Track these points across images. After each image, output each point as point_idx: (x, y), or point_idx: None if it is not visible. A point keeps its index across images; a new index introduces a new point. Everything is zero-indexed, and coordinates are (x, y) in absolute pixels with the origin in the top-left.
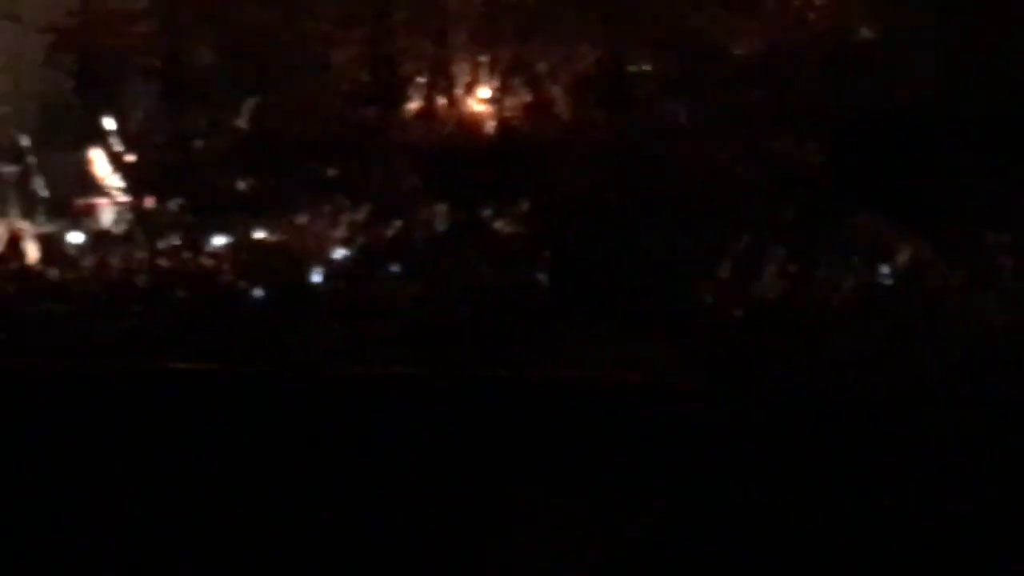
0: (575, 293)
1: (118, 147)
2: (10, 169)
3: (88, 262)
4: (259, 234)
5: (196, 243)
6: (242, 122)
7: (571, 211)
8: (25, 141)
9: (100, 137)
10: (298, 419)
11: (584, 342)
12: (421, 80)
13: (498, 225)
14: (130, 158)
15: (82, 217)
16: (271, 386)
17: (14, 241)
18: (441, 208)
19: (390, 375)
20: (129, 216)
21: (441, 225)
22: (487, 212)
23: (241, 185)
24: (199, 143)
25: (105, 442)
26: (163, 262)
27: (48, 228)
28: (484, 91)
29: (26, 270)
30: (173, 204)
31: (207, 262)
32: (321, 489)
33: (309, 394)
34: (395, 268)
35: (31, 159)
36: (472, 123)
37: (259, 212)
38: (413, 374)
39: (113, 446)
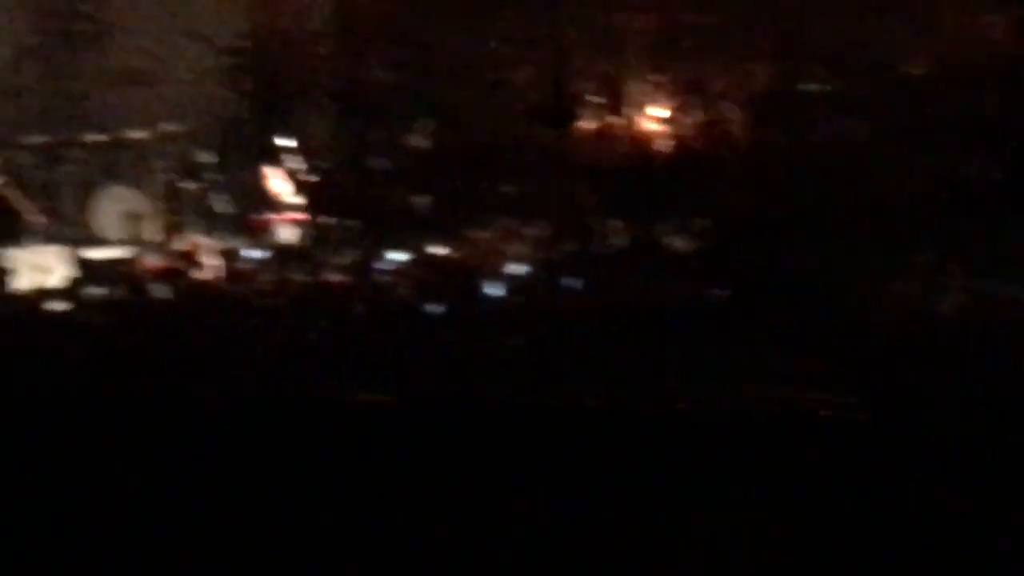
0: (751, 309)
1: (294, 165)
2: (189, 185)
3: (264, 278)
4: (436, 250)
5: (372, 259)
6: (419, 140)
7: (746, 228)
8: (204, 157)
9: (277, 154)
10: (482, 454)
11: (758, 359)
12: (596, 99)
13: (674, 241)
14: (306, 176)
15: (260, 233)
16: (462, 417)
17: (191, 256)
18: (617, 224)
19: (572, 408)
20: (306, 232)
21: (617, 241)
22: (662, 228)
23: (418, 202)
24: (376, 161)
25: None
26: (339, 278)
27: (226, 244)
28: (658, 109)
29: (202, 285)
30: (349, 221)
31: (383, 278)
32: (506, 526)
33: (493, 428)
34: (571, 284)
35: (210, 175)
36: (646, 141)
37: (436, 228)
38: (594, 409)
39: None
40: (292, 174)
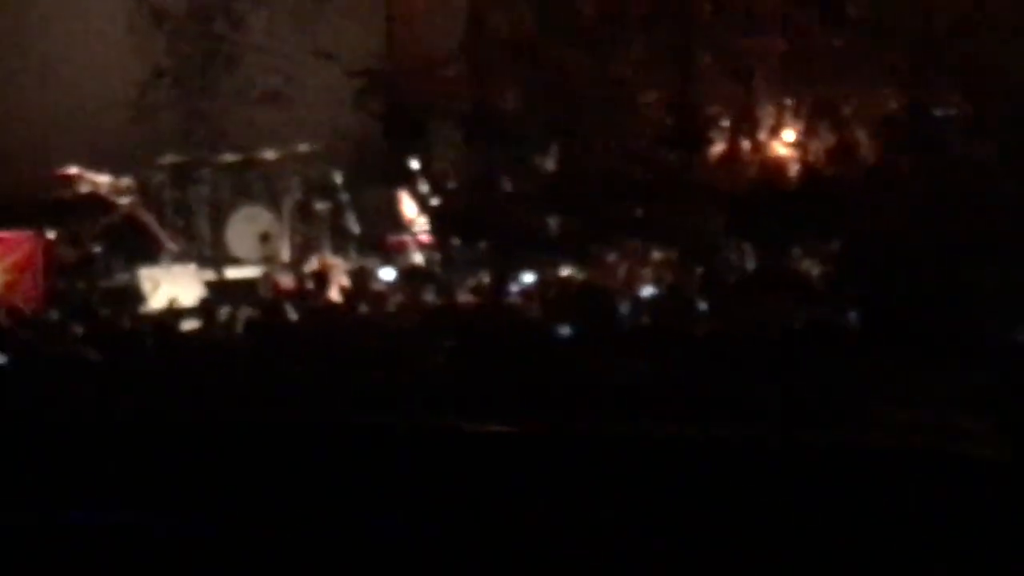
0: (886, 334)
1: (425, 187)
2: (323, 204)
3: (397, 299)
4: (566, 272)
5: (503, 281)
6: (548, 163)
7: (880, 252)
8: (338, 178)
9: (408, 176)
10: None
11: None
12: (725, 123)
13: (806, 265)
14: (436, 198)
15: (393, 254)
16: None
17: (323, 275)
18: (749, 248)
19: (702, 439)
20: (437, 254)
21: (749, 265)
22: (794, 253)
23: (547, 225)
24: (505, 184)
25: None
26: (470, 299)
27: (359, 264)
28: (789, 133)
29: (334, 304)
30: (479, 243)
31: (515, 300)
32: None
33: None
34: (701, 307)
35: (343, 195)
36: (777, 165)
37: (565, 252)
38: (724, 440)
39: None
40: (423, 195)
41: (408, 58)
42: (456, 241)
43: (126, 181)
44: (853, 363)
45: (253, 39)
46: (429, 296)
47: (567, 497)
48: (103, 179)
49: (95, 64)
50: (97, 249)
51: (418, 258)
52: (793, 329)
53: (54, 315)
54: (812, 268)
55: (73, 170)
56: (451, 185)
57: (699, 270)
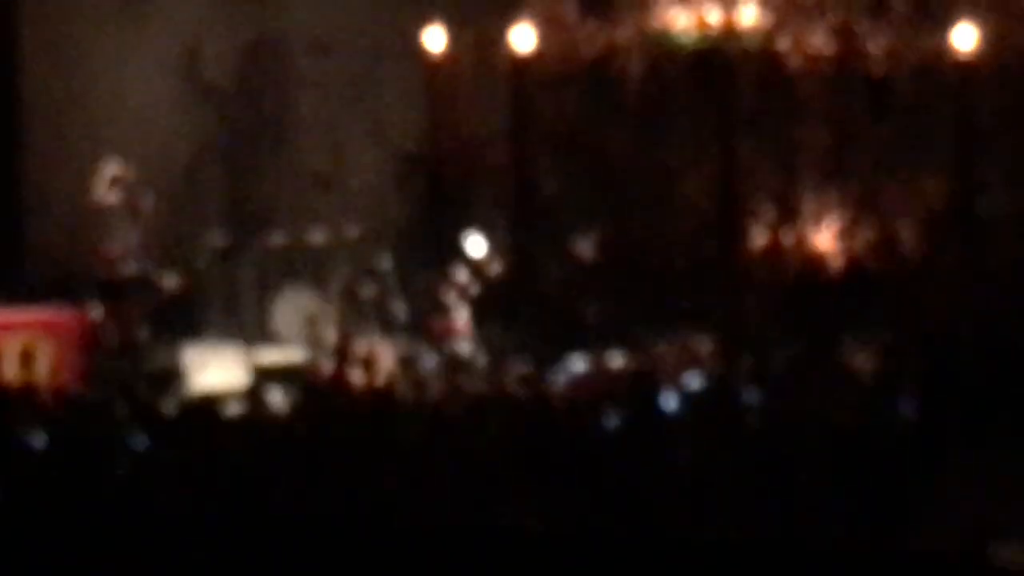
0: (948, 430)
1: (471, 270)
2: (369, 288)
3: (439, 386)
4: (609, 360)
5: (547, 370)
6: (589, 249)
7: (939, 345)
8: (385, 262)
9: (455, 260)
10: None
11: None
12: (768, 212)
13: (858, 360)
14: (482, 282)
15: (438, 339)
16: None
17: (368, 360)
18: (790, 340)
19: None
20: (481, 340)
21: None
22: (844, 346)
23: (589, 313)
24: (550, 269)
25: None
26: (512, 388)
27: (404, 349)
28: (832, 223)
29: (378, 391)
30: (524, 329)
31: (557, 389)
32: None
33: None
34: (748, 400)
35: (390, 279)
36: (820, 256)
37: (608, 338)
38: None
39: None
40: (469, 280)
41: (449, 140)
42: (500, 327)
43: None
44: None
45: (302, 118)
46: (472, 384)
47: None
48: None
49: (142, 140)
50: (142, 329)
51: (464, 345)
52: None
53: (97, 396)
54: (862, 361)
55: (117, 250)
56: (492, 270)
57: (748, 361)
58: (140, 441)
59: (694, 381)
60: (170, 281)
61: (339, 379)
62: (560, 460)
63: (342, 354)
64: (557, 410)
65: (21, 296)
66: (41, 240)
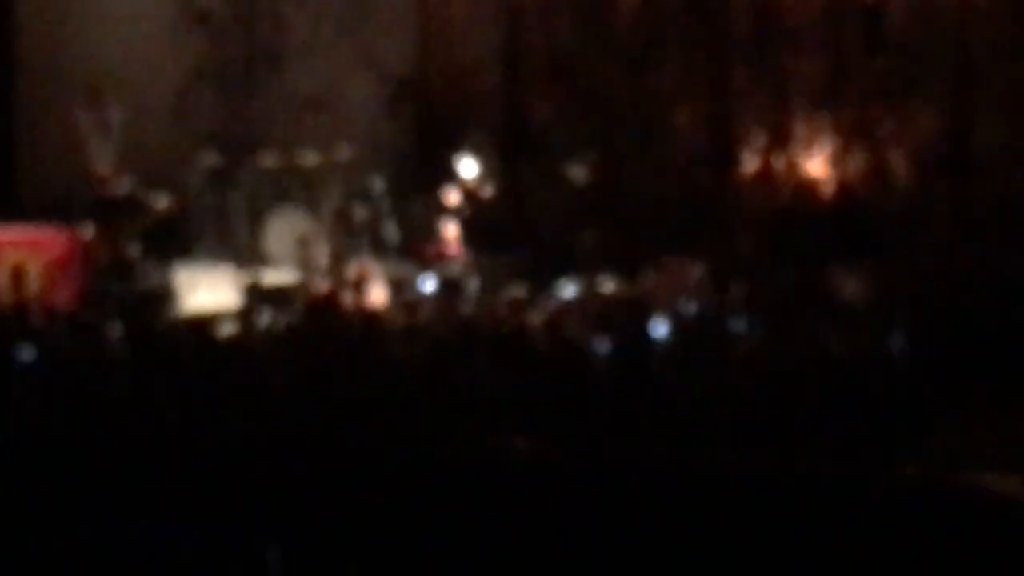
0: (940, 366)
1: (461, 196)
2: (362, 211)
3: (429, 311)
4: (598, 287)
5: (537, 295)
6: (579, 176)
7: (930, 277)
8: (378, 185)
9: (441, 185)
10: None
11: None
12: (760, 141)
13: (848, 291)
14: (472, 207)
15: (432, 263)
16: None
17: (360, 283)
18: (781, 270)
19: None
20: (471, 265)
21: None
22: (834, 276)
23: (579, 240)
24: (539, 196)
25: None
26: (505, 313)
27: (395, 272)
28: (823, 152)
29: (370, 313)
30: (513, 256)
31: (547, 315)
32: None
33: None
34: (740, 328)
35: (383, 203)
36: (811, 185)
37: (598, 266)
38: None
39: None
40: (459, 205)
41: (440, 66)
42: (491, 252)
43: None
44: (906, 391)
45: (296, 43)
46: (466, 308)
47: (592, 521)
48: None
49: (134, 63)
50: (134, 250)
51: (455, 268)
52: (838, 354)
53: (89, 316)
54: (852, 291)
55: (108, 170)
56: (483, 195)
57: (739, 289)
58: (132, 360)
59: (684, 308)
60: (162, 201)
61: (331, 300)
62: (550, 385)
63: (334, 275)
64: (547, 335)
65: (12, 215)
66: (33, 159)
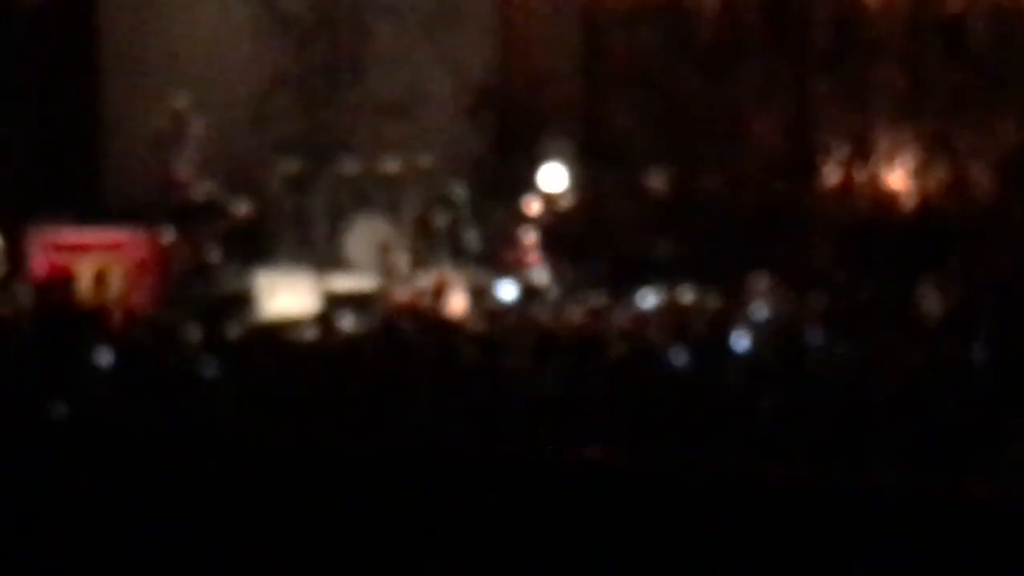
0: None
1: (535, 204)
2: (443, 218)
3: (510, 318)
4: (685, 296)
5: (616, 304)
6: (658, 185)
7: (1010, 291)
8: (459, 192)
9: (521, 193)
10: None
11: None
12: (840, 152)
13: (927, 303)
14: (553, 215)
15: (513, 270)
16: None
17: (440, 289)
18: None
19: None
20: (553, 272)
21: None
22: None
23: (658, 249)
24: (614, 205)
25: None
26: (585, 320)
27: (476, 278)
28: (904, 164)
29: (448, 322)
30: (591, 263)
31: (626, 323)
32: None
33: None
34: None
35: (464, 209)
36: (891, 198)
37: (676, 275)
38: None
39: None
40: (539, 213)
41: (522, 74)
42: (569, 259)
43: None
44: (984, 405)
45: (379, 49)
46: (545, 316)
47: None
48: None
49: (217, 69)
50: (214, 254)
51: (536, 275)
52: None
53: (169, 318)
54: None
55: (189, 175)
56: (562, 203)
57: (818, 300)
58: (210, 364)
59: (763, 320)
60: (242, 206)
61: (411, 307)
62: (627, 394)
63: (414, 283)
64: (625, 344)
65: (96, 218)
66: (117, 163)
